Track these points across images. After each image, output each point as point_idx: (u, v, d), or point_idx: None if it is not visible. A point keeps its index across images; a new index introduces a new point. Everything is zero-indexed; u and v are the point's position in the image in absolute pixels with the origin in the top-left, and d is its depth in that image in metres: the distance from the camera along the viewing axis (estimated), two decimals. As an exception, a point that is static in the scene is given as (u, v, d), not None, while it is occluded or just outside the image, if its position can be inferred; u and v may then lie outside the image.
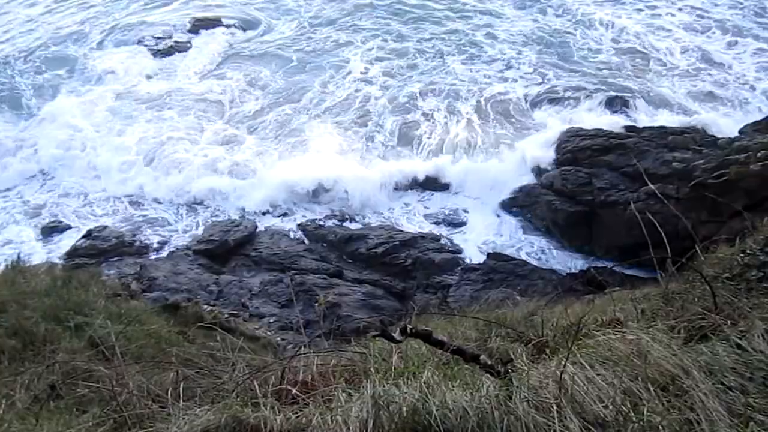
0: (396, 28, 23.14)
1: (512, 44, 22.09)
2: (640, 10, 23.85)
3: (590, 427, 2.31)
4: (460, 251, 15.10)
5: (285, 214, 16.49)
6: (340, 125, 18.93)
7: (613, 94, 19.23)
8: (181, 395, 3.00)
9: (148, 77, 21.43)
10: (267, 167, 17.50)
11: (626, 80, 20.06)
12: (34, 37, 23.86)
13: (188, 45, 23.15)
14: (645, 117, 18.11)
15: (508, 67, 20.99)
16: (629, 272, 12.51)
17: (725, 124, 17.19)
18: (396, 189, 16.96)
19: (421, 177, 17.16)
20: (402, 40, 22.50)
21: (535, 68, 20.83)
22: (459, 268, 14.55)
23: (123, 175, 17.61)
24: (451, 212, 16.37)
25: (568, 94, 19.56)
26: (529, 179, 16.50)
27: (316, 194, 16.79)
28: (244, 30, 24.11)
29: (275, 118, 19.34)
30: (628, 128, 16.72)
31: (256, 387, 2.97)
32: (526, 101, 19.52)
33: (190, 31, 23.94)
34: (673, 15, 23.47)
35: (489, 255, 14.83)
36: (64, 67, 22.22)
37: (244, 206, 16.63)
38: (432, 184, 17.09)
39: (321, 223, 16.08)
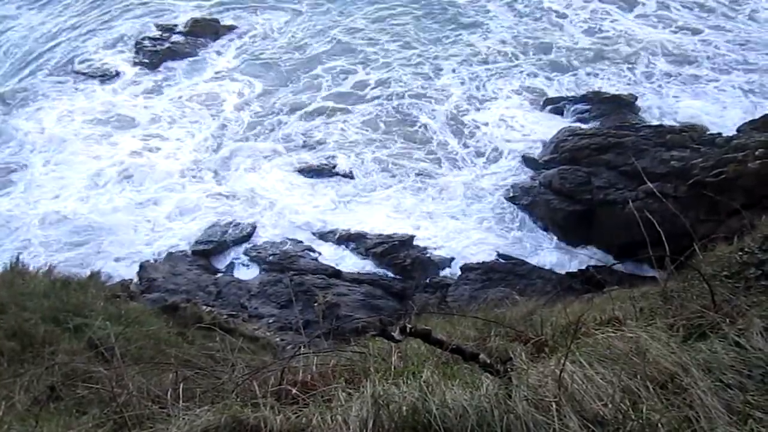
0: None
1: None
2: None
3: (589, 425, 2.31)
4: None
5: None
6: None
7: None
8: (181, 396, 2.99)
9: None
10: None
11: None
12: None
13: (185, 50, 23.08)
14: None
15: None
16: (628, 271, 12.54)
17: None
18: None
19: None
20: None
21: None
22: (458, 267, 14.56)
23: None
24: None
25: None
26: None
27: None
28: (241, 36, 24.08)
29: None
30: (625, 127, 16.75)
31: (256, 387, 2.97)
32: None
33: (187, 34, 23.88)
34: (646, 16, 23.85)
35: (488, 254, 14.85)
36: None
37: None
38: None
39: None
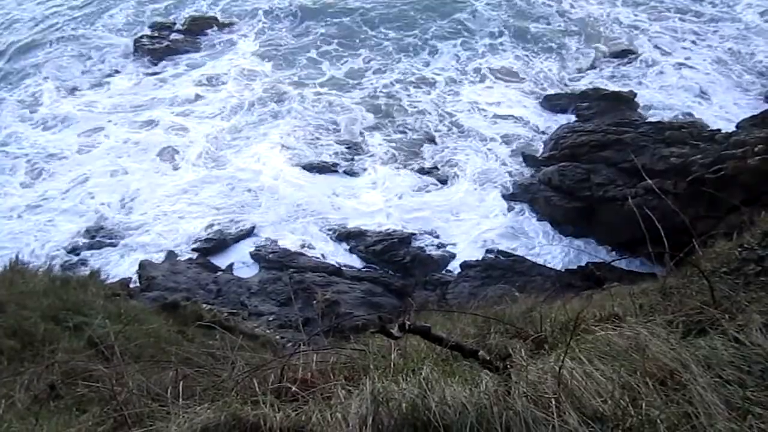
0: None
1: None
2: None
3: (589, 421, 2.31)
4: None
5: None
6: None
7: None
8: (181, 394, 2.99)
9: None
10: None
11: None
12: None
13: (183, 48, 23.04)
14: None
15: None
16: (627, 267, 12.54)
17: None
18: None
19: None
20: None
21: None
22: (458, 264, 14.56)
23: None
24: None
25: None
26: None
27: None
28: (241, 30, 24.06)
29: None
30: (625, 123, 16.74)
31: (256, 385, 2.96)
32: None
33: (185, 32, 23.83)
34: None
35: (488, 251, 14.86)
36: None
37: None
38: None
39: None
